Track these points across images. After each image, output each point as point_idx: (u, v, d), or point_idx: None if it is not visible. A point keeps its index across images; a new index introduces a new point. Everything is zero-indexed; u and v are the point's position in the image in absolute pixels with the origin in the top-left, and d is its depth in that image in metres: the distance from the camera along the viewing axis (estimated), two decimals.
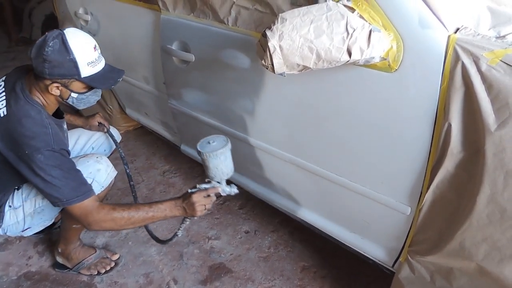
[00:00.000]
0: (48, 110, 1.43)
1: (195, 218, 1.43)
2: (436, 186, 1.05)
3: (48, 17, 4.44)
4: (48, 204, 1.50)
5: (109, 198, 2.17)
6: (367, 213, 1.32)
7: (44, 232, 1.88)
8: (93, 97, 1.47)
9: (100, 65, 1.39)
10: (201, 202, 1.37)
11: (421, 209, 1.11)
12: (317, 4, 1.02)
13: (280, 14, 1.01)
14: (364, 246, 1.40)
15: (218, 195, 1.39)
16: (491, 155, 0.91)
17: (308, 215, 1.55)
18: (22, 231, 1.57)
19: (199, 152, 1.32)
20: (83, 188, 1.36)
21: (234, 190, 1.39)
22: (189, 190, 1.39)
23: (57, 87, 1.36)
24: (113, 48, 2.10)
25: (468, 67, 0.93)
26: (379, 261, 1.37)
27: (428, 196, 1.08)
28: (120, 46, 2.09)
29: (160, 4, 1.68)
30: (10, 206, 1.51)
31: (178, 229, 1.52)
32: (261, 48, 1.04)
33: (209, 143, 1.35)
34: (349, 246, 1.45)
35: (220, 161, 1.32)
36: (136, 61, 2.04)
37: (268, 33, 1.00)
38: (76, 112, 1.87)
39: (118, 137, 1.93)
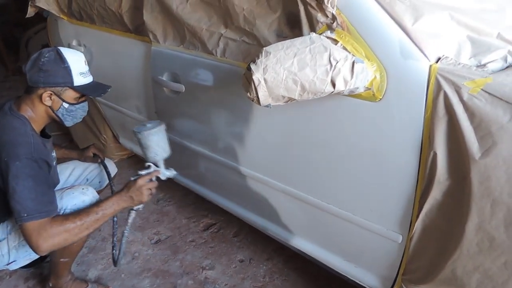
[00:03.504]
0: (35, 125, 1.45)
1: (140, 208, 1.49)
2: (425, 214, 1.05)
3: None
4: None
5: (102, 229, 2.15)
6: (359, 241, 1.31)
7: (35, 266, 1.85)
8: (81, 112, 1.54)
9: (90, 78, 1.51)
10: (147, 186, 1.43)
11: (412, 237, 1.11)
12: (300, 37, 1.04)
13: (264, 48, 1.03)
14: (358, 274, 1.38)
15: (159, 179, 1.49)
16: (477, 183, 0.91)
17: (301, 243, 1.54)
18: (7, 265, 1.54)
19: (139, 133, 1.42)
20: (49, 206, 1.34)
21: (173, 172, 1.51)
22: (132, 178, 1.45)
23: (50, 96, 1.43)
24: (105, 79, 2.09)
25: (450, 96, 0.94)
26: None
27: (418, 224, 1.08)
28: (112, 77, 2.10)
29: (151, 36, 1.71)
30: None
31: (125, 227, 1.55)
32: (247, 81, 1.05)
33: (144, 125, 1.47)
34: (344, 274, 1.43)
35: (161, 138, 1.45)
36: (128, 91, 2.06)
37: (252, 66, 1.02)
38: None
39: (114, 169, 1.92)
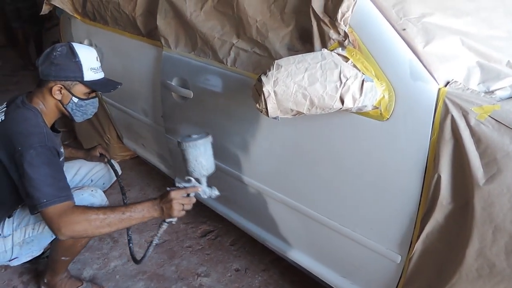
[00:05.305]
0: (45, 118, 1.47)
1: (173, 221, 1.36)
2: (426, 236, 1.05)
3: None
4: (38, 234, 1.50)
5: None
6: (357, 258, 1.30)
7: (31, 261, 1.84)
8: (91, 108, 1.55)
9: (101, 74, 1.53)
10: (180, 200, 1.32)
11: (411, 258, 1.11)
12: (312, 53, 1.06)
13: (275, 61, 1.04)
14: None
15: (198, 196, 1.37)
16: (479, 209, 0.91)
17: (299, 256, 1.53)
18: (9, 261, 1.54)
19: (179, 143, 1.30)
20: (66, 191, 1.33)
21: (215, 192, 1.37)
22: (168, 189, 1.34)
23: (60, 90, 1.44)
24: (115, 79, 2.13)
25: (457, 120, 0.94)
26: None
27: (418, 246, 1.07)
28: (122, 78, 2.09)
29: (163, 41, 1.73)
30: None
31: (154, 237, 1.42)
32: (256, 92, 1.06)
33: (190, 136, 1.34)
34: None
35: (200, 153, 1.29)
36: (136, 94, 2.07)
37: (263, 78, 1.03)
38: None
39: (118, 170, 1.94)
